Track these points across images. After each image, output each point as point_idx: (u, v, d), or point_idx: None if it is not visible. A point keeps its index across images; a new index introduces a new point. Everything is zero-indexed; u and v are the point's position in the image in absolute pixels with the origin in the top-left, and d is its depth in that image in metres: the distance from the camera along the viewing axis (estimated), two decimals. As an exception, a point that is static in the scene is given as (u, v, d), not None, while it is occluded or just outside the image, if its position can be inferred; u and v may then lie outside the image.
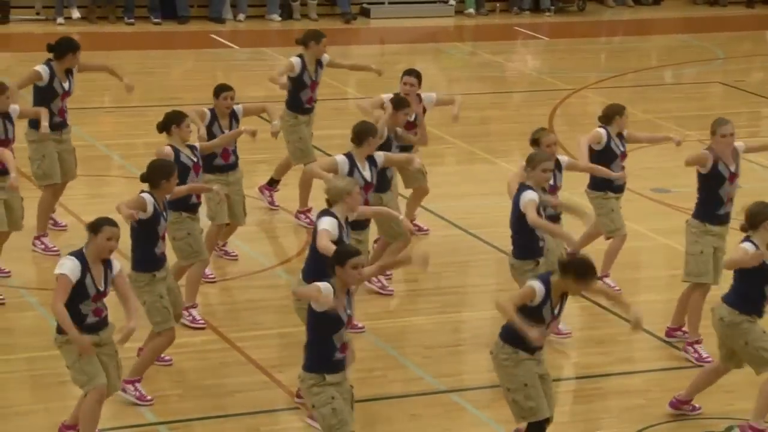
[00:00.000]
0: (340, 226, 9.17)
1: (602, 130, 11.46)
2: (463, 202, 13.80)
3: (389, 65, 21.04)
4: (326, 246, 8.83)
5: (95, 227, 8.41)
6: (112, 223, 8.42)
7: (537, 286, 8.24)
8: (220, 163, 11.41)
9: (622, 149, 11.55)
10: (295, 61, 12.85)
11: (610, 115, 11.50)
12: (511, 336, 8.35)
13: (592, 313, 11.30)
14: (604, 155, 11.41)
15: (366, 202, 10.21)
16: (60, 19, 21.83)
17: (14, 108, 11.31)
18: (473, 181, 14.36)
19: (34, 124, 11.89)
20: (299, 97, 12.93)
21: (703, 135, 12.71)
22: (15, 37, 21.22)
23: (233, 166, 11.56)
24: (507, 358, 8.38)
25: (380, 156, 10.58)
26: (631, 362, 10.62)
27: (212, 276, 11.55)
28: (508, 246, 10.30)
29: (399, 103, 11.40)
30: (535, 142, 10.68)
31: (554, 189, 10.58)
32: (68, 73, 12.03)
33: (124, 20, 22.15)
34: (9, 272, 11.56)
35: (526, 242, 10.09)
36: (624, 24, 24.55)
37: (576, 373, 10.43)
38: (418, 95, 12.12)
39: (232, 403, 9.54)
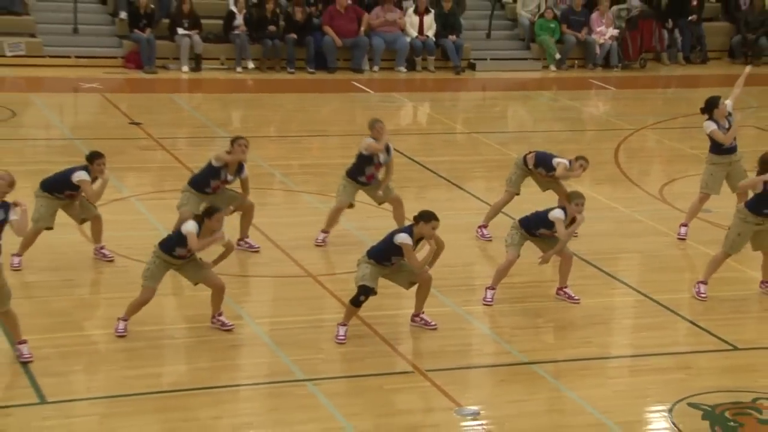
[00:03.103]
0: None
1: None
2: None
3: (489, 107, 21.13)
4: None
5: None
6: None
7: (405, 237, 9.61)
8: None
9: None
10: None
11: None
12: (373, 255, 9.79)
13: (644, 305, 11.19)
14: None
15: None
16: (239, 68, 22.23)
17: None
18: (552, 201, 14.18)
19: (195, 184, 11.40)
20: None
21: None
22: (205, 82, 21.68)
23: None
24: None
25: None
26: (674, 345, 10.48)
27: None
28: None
29: None
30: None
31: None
32: (238, 169, 11.31)
33: (287, 69, 22.49)
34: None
35: None
36: (677, 78, 24.20)
37: (631, 352, 10.31)
38: None
39: (362, 366, 9.64)
